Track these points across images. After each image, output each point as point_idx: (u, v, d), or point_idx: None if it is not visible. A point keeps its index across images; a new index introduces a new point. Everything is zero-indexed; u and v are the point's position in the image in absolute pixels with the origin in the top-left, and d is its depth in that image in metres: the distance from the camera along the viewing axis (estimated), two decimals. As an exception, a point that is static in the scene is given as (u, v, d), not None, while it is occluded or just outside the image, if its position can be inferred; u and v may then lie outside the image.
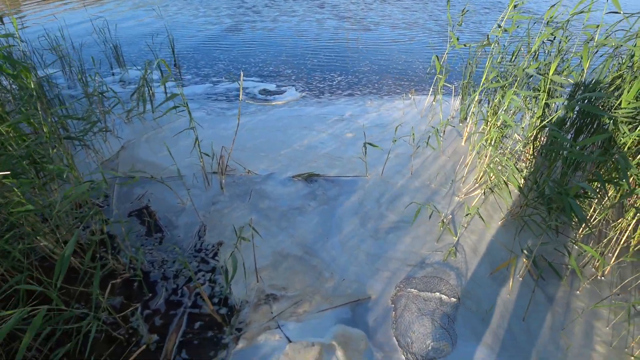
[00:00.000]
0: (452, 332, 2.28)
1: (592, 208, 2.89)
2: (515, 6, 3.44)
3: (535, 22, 3.71)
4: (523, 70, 3.11)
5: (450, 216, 3.16)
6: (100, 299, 2.23)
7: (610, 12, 2.92)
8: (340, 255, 2.80)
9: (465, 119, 4.54)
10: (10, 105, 3.13)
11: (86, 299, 2.40)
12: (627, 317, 2.40)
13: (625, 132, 2.53)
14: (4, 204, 2.10)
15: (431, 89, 5.33)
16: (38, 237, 2.37)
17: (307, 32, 7.94)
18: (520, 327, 2.37)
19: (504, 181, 2.95)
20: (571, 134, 3.15)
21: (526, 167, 3.38)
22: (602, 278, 2.68)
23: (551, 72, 2.87)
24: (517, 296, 2.55)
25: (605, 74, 2.96)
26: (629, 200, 2.81)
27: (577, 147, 2.53)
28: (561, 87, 3.28)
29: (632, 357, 2.22)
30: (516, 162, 3.49)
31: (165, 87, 4.23)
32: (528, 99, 3.46)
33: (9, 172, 1.67)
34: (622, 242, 2.72)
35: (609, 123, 2.64)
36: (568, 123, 3.09)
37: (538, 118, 3.02)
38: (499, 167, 3.11)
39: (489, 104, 3.82)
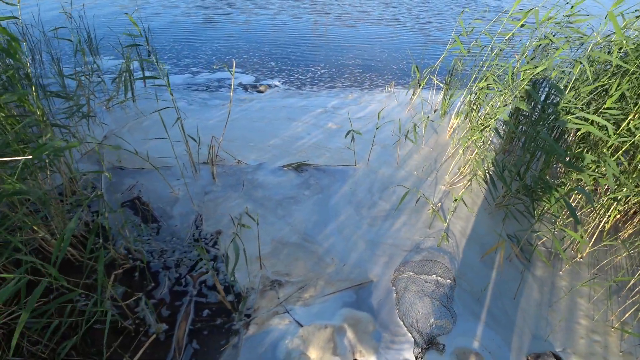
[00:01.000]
0: (452, 311, 2.40)
1: (572, 198, 3.11)
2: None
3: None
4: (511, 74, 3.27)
5: (440, 204, 3.29)
6: (107, 285, 2.19)
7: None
8: (338, 241, 2.87)
9: (446, 112, 4.71)
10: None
11: (88, 291, 2.34)
12: (607, 294, 2.62)
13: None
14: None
15: (416, 85, 5.47)
16: (34, 227, 2.29)
17: (285, 25, 7.90)
18: (512, 305, 2.53)
19: (487, 174, 3.11)
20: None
21: (508, 159, 3.57)
22: (581, 260, 2.90)
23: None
24: (506, 277, 2.71)
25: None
26: (602, 189, 3.05)
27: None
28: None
29: (612, 328, 2.43)
30: (498, 154, 3.68)
31: (144, 76, 4.11)
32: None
33: (30, 157, 1.61)
34: (598, 227, 2.95)
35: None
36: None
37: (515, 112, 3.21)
38: (481, 160, 3.27)
39: (471, 100, 3.99)
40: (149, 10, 8.21)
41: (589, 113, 2.70)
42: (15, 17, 2.26)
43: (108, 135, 3.76)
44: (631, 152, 2.84)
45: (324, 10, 9.25)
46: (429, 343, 2.21)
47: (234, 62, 5.21)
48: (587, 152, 2.97)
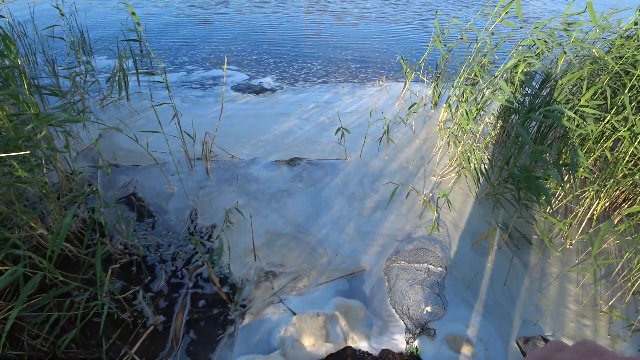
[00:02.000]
0: (443, 297, 2.46)
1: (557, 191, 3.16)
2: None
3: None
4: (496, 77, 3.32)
5: (431, 195, 3.35)
6: (104, 279, 2.24)
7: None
8: (331, 232, 2.92)
9: (436, 104, 4.76)
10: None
11: (86, 286, 2.39)
12: (593, 279, 2.68)
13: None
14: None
15: (405, 78, 5.52)
16: (32, 224, 2.33)
17: (282, 24, 7.91)
18: (502, 291, 2.59)
19: (475, 167, 3.17)
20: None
21: (496, 151, 3.63)
22: (570, 247, 2.96)
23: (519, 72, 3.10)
24: (496, 264, 2.77)
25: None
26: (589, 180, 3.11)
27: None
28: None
29: (601, 312, 2.49)
30: (487, 146, 3.73)
31: (138, 76, 4.15)
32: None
33: (28, 152, 1.65)
34: (587, 215, 3.01)
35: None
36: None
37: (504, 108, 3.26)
38: (468, 154, 3.32)
39: (460, 94, 4.04)
40: (142, 9, 8.21)
41: (565, 107, 2.76)
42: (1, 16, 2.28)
43: (103, 134, 3.79)
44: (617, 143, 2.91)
45: (321, 9, 9.26)
46: (421, 328, 2.26)
47: (226, 59, 5.23)
48: (562, 144, 3.03)
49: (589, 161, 2.90)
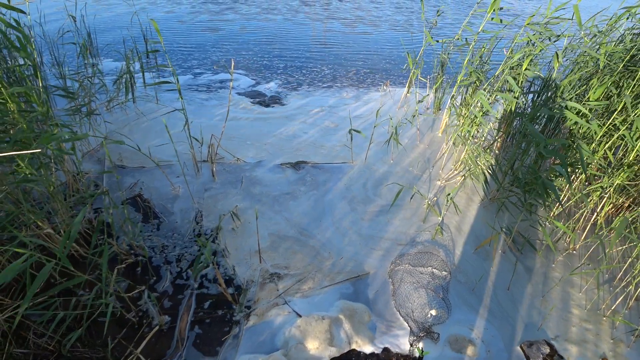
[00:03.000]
0: (447, 301, 2.47)
1: (564, 191, 3.18)
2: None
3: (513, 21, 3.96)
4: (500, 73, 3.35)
5: (435, 199, 3.36)
6: (110, 279, 2.25)
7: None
8: (334, 236, 2.93)
9: (440, 109, 4.78)
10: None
11: (92, 287, 2.40)
12: (596, 283, 2.68)
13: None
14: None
15: (408, 82, 5.55)
16: (39, 223, 2.35)
17: (292, 31, 7.96)
18: (505, 296, 2.59)
19: (481, 170, 3.18)
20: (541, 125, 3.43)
21: (500, 155, 3.64)
22: (574, 252, 2.96)
23: (524, 67, 3.12)
24: (500, 269, 2.78)
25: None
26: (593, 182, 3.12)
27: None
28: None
29: (604, 317, 2.49)
30: (490, 151, 3.74)
31: (144, 78, 4.18)
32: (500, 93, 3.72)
33: (39, 150, 1.67)
34: (591, 220, 3.01)
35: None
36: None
37: (509, 111, 3.28)
38: (474, 157, 3.34)
39: (462, 97, 4.06)
40: (150, 14, 8.29)
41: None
42: (22, 11, 2.32)
43: (109, 135, 3.82)
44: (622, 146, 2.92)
45: (333, 16, 9.31)
46: (424, 332, 2.27)
47: (233, 62, 5.27)
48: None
49: (597, 158, 2.91)
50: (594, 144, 2.93)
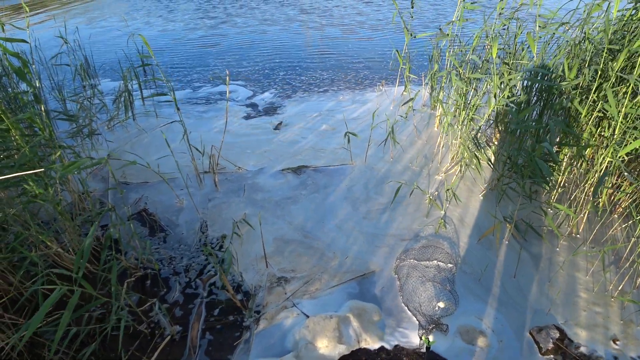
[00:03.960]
0: (454, 293, 2.48)
1: (562, 172, 3.19)
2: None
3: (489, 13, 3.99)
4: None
5: (437, 193, 3.38)
6: (121, 293, 2.29)
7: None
8: (338, 236, 2.96)
9: (436, 105, 4.81)
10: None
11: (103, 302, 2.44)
12: (602, 265, 2.68)
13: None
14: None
15: (405, 80, 5.59)
16: (47, 242, 2.40)
17: (286, 43, 8.05)
18: (512, 284, 2.61)
19: (476, 157, 3.20)
20: (536, 112, 3.45)
21: (496, 144, 3.66)
22: (578, 236, 2.97)
23: (494, 54, 3.15)
24: (505, 257, 2.79)
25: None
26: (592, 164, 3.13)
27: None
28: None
29: (612, 298, 2.50)
30: (487, 140, 3.77)
31: (142, 95, 4.26)
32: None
33: (42, 169, 1.73)
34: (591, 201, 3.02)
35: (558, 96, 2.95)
36: (534, 100, 3.39)
37: (501, 98, 3.30)
38: (469, 146, 3.36)
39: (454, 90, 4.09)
40: (151, 31, 8.43)
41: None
42: (24, 41, 2.39)
43: (111, 153, 3.88)
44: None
45: (332, 23, 9.38)
46: (433, 324, 2.29)
47: (228, 72, 5.33)
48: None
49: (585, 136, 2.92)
50: (582, 124, 2.95)
